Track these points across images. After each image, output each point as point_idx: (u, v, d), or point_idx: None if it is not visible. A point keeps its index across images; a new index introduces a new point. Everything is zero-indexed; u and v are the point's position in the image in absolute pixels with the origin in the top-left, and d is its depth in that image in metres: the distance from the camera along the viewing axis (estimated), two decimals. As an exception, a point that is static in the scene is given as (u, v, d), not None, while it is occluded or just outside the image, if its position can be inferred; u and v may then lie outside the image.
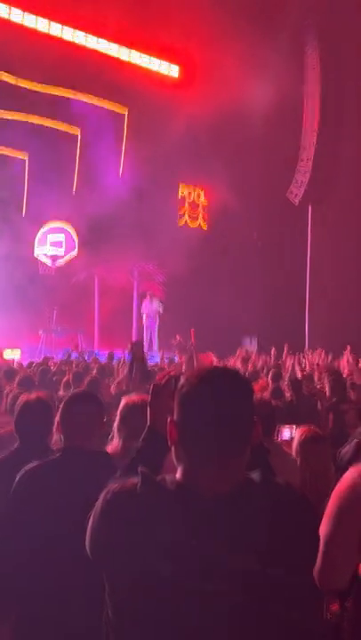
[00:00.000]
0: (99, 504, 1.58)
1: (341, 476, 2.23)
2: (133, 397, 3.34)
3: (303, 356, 13.81)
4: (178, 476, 1.58)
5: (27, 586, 2.54)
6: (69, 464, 2.59)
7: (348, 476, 2.17)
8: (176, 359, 12.91)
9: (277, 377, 8.11)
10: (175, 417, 1.60)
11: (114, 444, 3.18)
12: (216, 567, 1.44)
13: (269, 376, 8.16)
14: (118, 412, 3.26)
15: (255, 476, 1.57)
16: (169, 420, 1.61)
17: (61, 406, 2.74)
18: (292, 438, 4.18)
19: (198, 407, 1.55)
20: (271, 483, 1.58)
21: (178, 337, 18.68)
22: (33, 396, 3.35)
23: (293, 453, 3.94)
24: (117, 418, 3.25)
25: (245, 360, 11.47)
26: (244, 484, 1.54)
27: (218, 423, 1.53)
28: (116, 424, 3.25)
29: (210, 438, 1.54)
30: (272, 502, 1.52)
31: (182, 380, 1.62)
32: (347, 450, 4.35)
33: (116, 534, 1.52)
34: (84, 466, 2.54)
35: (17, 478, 2.62)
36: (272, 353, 13.92)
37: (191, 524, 1.47)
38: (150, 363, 12.92)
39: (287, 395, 6.94)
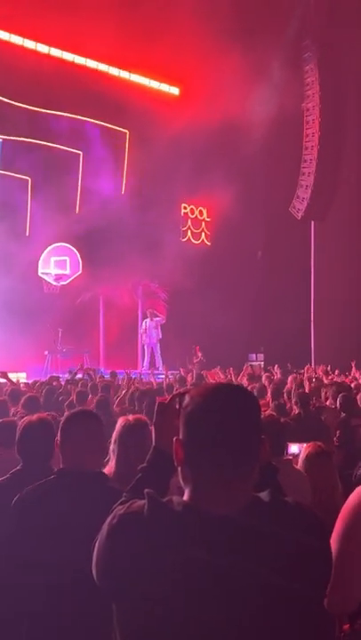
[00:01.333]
0: (105, 528, 1.55)
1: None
2: (129, 417, 3.29)
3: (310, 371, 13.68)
4: (185, 497, 1.53)
5: (27, 610, 2.49)
6: (64, 486, 2.53)
7: (357, 492, 2.11)
8: (183, 376, 12.83)
9: (278, 393, 8.02)
10: (181, 436, 1.56)
11: (109, 466, 3.12)
12: (227, 588, 1.40)
13: (268, 393, 8.06)
14: (114, 433, 3.19)
15: (264, 495, 1.53)
16: (175, 439, 1.57)
17: (60, 426, 2.69)
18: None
19: (204, 426, 1.51)
20: (280, 502, 1.54)
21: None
22: (35, 417, 3.31)
23: (300, 467, 3.91)
24: (112, 439, 3.19)
25: (252, 377, 11.38)
26: (252, 505, 1.50)
27: (224, 442, 1.49)
28: (111, 445, 3.18)
29: (216, 458, 1.49)
30: (281, 522, 1.48)
31: (187, 398, 1.58)
32: None
33: (123, 559, 1.48)
34: (78, 487, 2.49)
35: (13, 503, 2.59)
36: (276, 370, 13.84)
37: (200, 545, 1.42)
38: (157, 380, 12.89)
39: (294, 410, 6.87)
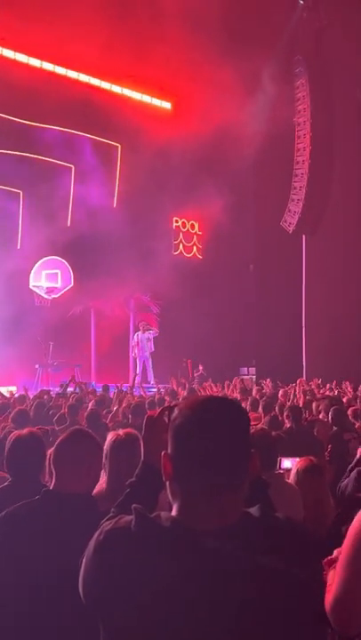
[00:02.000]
0: (91, 545, 1.53)
1: (342, 508, 2.12)
2: (120, 432, 3.24)
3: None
4: (173, 512, 1.51)
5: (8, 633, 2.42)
6: (46, 509, 2.45)
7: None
8: (175, 390, 12.80)
9: (270, 407, 8.00)
10: (169, 450, 1.54)
11: (100, 482, 3.07)
12: (216, 602, 1.38)
13: (260, 407, 8.04)
14: (105, 448, 3.12)
15: (254, 510, 1.51)
16: (163, 453, 1.55)
17: (55, 445, 2.62)
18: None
19: (192, 440, 1.49)
20: (270, 518, 1.52)
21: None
22: (25, 431, 3.27)
23: (292, 481, 3.91)
24: (104, 454, 3.13)
25: (244, 391, 11.36)
26: (242, 520, 1.48)
27: (213, 456, 1.47)
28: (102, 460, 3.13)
29: (205, 472, 1.47)
30: (271, 538, 1.46)
31: (176, 410, 1.56)
32: (346, 482, 4.29)
33: (110, 576, 1.45)
34: (61, 510, 2.41)
35: None
36: (268, 383, 13.83)
37: (188, 562, 1.40)
38: (148, 393, 12.85)
39: (286, 424, 6.85)
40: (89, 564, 1.51)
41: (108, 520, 1.59)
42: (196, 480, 1.48)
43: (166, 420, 1.66)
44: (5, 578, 2.35)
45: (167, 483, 1.54)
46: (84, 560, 1.54)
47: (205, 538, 1.43)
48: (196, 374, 18.17)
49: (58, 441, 2.63)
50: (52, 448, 2.63)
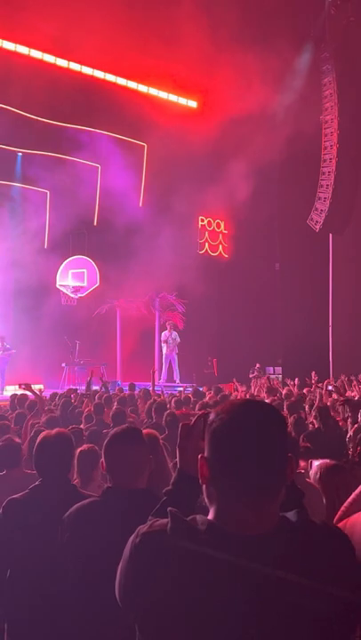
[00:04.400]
0: (127, 548, 1.53)
1: None
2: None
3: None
4: (210, 516, 1.50)
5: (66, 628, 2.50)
6: (111, 505, 2.50)
7: None
8: (201, 389, 12.80)
9: (295, 408, 7.90)
10: (206, 453, 1.52)
11: None
12: (254, 608, 1.36)
13: (285, 407, 7.94)
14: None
15: (291, 515, 1.49)
16: (200, 456, 1.53)
17: (105, 444, 2.64)
18: None
19: (230, 443, 1.48)
20: (309, 523, 1.49)
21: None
22: (53, 431, 3.29)
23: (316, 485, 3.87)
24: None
25: (271, 390, 11.29)
26: (280, 525, 1.46)
27: (251, 459, 1.45)
28: None
29: (243, 475, 1.45)
30: (310, 543, 1.44)
31: (212, 415, 1.54)
32: None
33: (146, 579, 1.45)
34: (125, 506, 2.44)
35: (63, 522, 2.57)
36: (295, 382, 13.76)
37: (224, 566, 1.39)
38: (174, 392, 12.85)
39: (313, 424, 6.78)
40: (125, 566, 1.51)
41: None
42: (233, 484, 1.46)
43: (202, 427, 1.65)
44: (77, 573, 2.42)
45: (204, 486, 1.53)
46: (120, 563, 1.53)
47: (242, 543, 1.41)
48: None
49: (108, 439, 2.63)
50: (105, 447, 2.64)
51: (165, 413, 6.73)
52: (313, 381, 13.13)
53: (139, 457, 2.59)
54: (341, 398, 8.85)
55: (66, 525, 2.55)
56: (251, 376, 17.83)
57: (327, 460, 4.02)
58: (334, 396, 10.33)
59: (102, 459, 2.63)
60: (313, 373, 13.79)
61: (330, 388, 11.99)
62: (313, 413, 6.94)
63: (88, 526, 2.48)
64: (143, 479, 2.58)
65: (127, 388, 12.79)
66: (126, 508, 2.38)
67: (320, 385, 12.10)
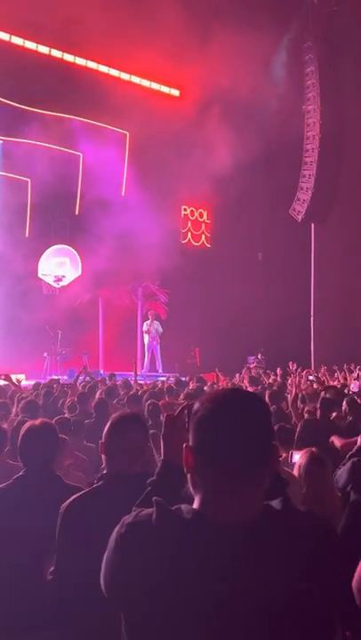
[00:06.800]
0: (112, 538, 1.53)
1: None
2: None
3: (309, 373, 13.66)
4: (195, 505, 1.50)
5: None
6: (116, 489, 2.50)
7: None
8: (183, 379, 12.82)
9: (277, 398, 7.83)
10: (191, 442, 1.53)
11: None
12: (240, 595, 1.37)
13: (266, 396, 7.88)
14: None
15: (275, 504, 1.50)
16: (185, 445, 1.54)
17: (107, 429, 2.63)
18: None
19: (214, 431, 1.48)
20: (293, 511, 1.51)
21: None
22: (37, 421, 3.29)
23: (297, 476, 3.89)
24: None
25: (253, 380, 11.33)
26: (265, 513, 1.47)
27: (236, 448, 1.46)
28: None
29: (228, 464, 1.46)
30: (295, 531, 1.45)
31: (197, 404, 1.55)
32: (341, 472, 4.19)
33: (131, 569, 1.45)
34: (130, 490, 2.41)
35: (61, 511, 2.55)
36: (278, 372, 13.82)
37: (210, 554, 1.40)
38: (157, 381, 12.86)
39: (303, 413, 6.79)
40: (110, 556, 1.51)
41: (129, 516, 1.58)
42: (218, 472, 1.47)
43: (186, 419, 1.65)
44: (82, 560, 2.37)
45: (188, 475, 1.54)
46: (105, 553, 1.53)
47: (227, 531, 1.42)
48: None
49: (111, 423, 2.64)
50: (107, 430, 2.63)
51: (147, 403, 6.73)
52: (292, 370, 13.21)
53: (141, 443, 2.62)
54: (321, 388, 8.91)
55: (67, 517, 2.53)
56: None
57: (313, 450, 4.03)
58: (314, 385, 10.41)
59: (102, 441, 2.63)
60: (290, 363, 13.87)
61: (310, 377, 12.08)
62: (318, 405, 6.81)
63: (92, 515, 2.45)
64: (138, 466, 2.59)
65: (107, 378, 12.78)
66: (128, 494, 2.40)
67: (301, 374, 12.18)
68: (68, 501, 2.56)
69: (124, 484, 2.47)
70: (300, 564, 1.41)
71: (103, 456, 2.65)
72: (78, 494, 2.60)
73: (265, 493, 1.51)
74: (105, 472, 2.62)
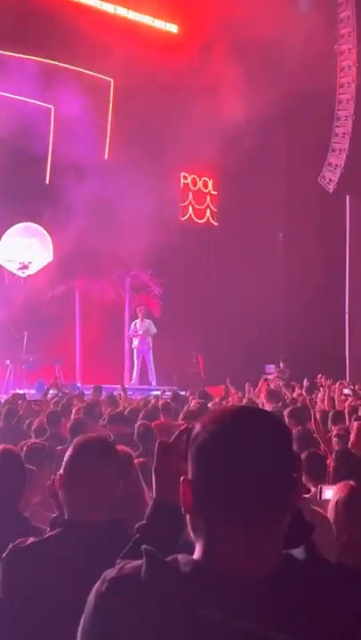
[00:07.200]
0: (91, 598, 1.52)
1: None
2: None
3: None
4: (196, 554, 1.51)
5: None
6: (71, 542, 2.46)
7: None
8: (183, 394, 12.85)
9: (300, 417, 7.84)
10: (190, 476, 1.53)
11: None
12: None
13: (286, 413, 7.89)
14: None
15: (297, 553, 1.50)
16: (182, 479, 1.54)
17: (67, 458, 2.60)
18: None
19: (218, 462, 1.49)
20: (321, 563, 1.52)
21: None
22: (-1, 448, 3.29)
23: (329, 515, 3.90)
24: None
25: (273, 395, 11.35)
26: (283, 565, 1.47)
27: (246, 483, 1.46)
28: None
29: (236, 503, 1.46)
30: (322, 589, 1.45)
31: (197, 426, 1.55)
32: None
33: (116, 635, 1.45)
34: (91, 543, 2.41)
35: (1, 561, 2.52)
36: (304, 384, 13.86)
37: (215, 618, 1.39)
38: (150, 397, 12.88)
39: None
40: (88, 623, 1.51)
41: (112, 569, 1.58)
42: (224, 513, 1.47)
43: (184, 445, 1.66)
44: (24, 627, 2.38)
45: (187, 516, 1.54)
46: (83, 618, 1.53)
47: (236, 589, 1.42)
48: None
49: (71, 454, 2.59)
50: (65, 461, 2.60)
51: (137, 425, 6.75)
52: (322, 382, 13.22)
53: (108, 479, 2.56)
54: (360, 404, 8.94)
55: (6, 571, 2.50)
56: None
57: (352, 483, 4.04)
58: (351, 401, 10.42)
59: (59, 475, 2.60)
60: (319, 376, 13.87)
61: (346, 391, 12.10)
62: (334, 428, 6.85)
63: (30, 574, 2.43)
64: (106, 509, 2.55)
65: (90, 393, 12.80)
66: (84, 547, 2.38)
67: (334, 387, 12.20)
68: (8, 551, 2.52)
69: (85, 534, 2.45)
70: (328, 632, 1.41)
71: (61, 492, 2.60)
72: (23, 544, 2.53)
73: (284, 540, 1.51)
74: (65, 516, 2.58)
